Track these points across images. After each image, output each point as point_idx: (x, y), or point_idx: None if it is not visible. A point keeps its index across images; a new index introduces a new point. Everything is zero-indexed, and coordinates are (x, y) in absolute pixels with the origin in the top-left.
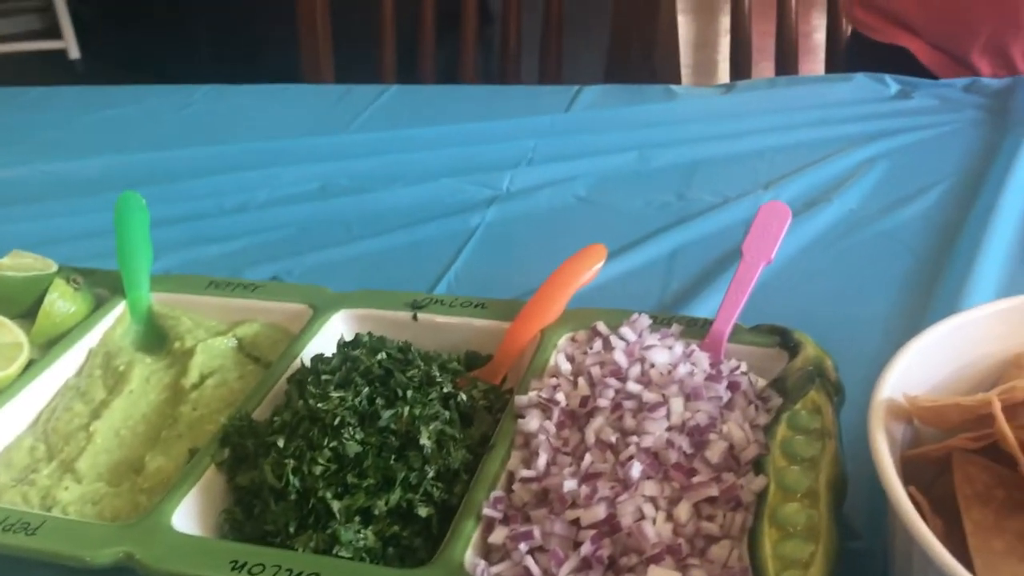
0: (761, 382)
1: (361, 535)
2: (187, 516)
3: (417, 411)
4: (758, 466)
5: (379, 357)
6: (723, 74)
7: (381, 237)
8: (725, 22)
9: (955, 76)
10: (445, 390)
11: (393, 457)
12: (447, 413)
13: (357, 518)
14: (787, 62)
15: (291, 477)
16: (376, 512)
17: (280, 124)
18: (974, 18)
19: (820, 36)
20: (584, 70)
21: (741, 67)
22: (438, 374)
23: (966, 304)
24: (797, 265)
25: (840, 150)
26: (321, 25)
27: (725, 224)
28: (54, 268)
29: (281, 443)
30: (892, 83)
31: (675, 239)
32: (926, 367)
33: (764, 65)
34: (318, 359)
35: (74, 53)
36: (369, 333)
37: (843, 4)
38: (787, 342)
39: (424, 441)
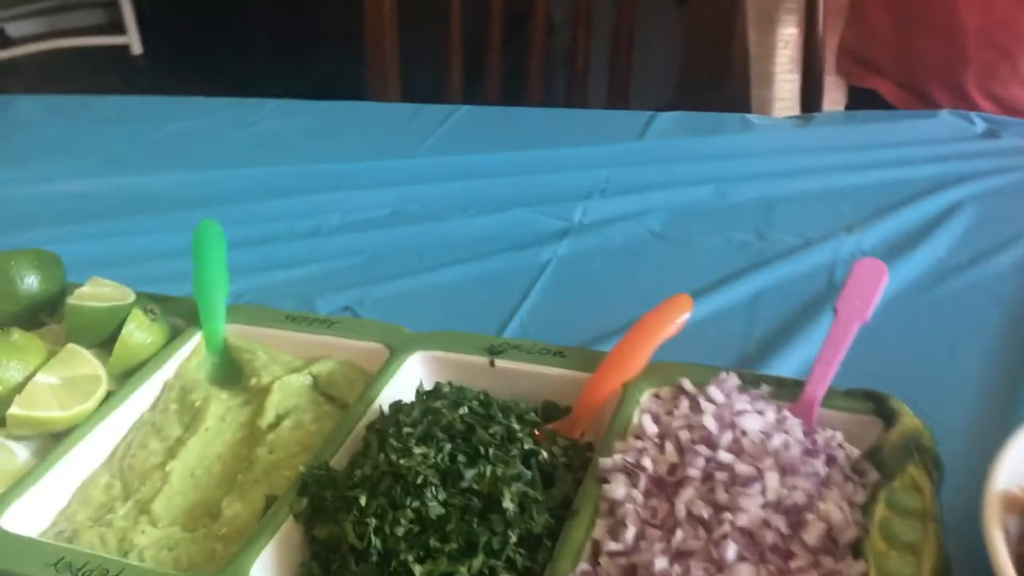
0: (855, 452)
1: None
2: (265, 569)
3: (500, 470)
4: (856, 549)
5: (461, 411)
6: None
7: (453, 268)
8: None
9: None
10: (526, 447)
11: (476, 520)
12: (529, 473)
13: None
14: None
15: (373, 538)
16: None
17: (348, 144)
18: (926, 54)
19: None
20: (652, 91)
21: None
22: (518, 428)
23: None
24: (882, 318)
25: (925, 191)
26: (389, 38)
27: (807, 268)
28: (132, 297)
29: (363, 500)
30: (979, 121)
31: (756, 282)
32: None
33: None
34: (397, 408)
35: (136, 49)
36: (450, 383)
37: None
38: (883, 410)
39: (507, 504)
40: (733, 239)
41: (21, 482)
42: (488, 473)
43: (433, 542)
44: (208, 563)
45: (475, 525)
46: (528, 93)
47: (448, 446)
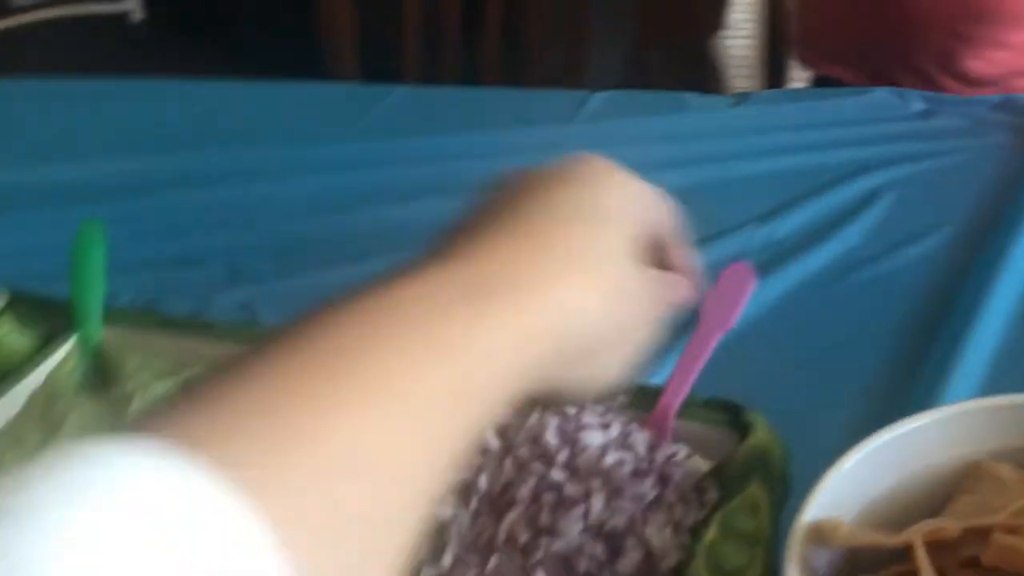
0: (704, 466)
1: None
2: None
3: None
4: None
5: None
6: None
7: (361, 263)
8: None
9: None
10: None
11: None
12: None
13: None
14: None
15: None
16: None
17: (275, 129)
18: (882, 38)
19: None
20: (610, 63)
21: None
22: None
23: (953, 379)
24: (783, 312)
25: (851, 175)
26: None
27: (713, 260)
28: (2, 302)
29: None
30: (916, 100)
31: None
32: (871, 476)
33: None
34: None
35: (137, 15)
36: None
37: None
38: (738, 421)
39: None
40: None
41: None
42: None
43: None
44: None
45: None
46: (484, 68)
47: None
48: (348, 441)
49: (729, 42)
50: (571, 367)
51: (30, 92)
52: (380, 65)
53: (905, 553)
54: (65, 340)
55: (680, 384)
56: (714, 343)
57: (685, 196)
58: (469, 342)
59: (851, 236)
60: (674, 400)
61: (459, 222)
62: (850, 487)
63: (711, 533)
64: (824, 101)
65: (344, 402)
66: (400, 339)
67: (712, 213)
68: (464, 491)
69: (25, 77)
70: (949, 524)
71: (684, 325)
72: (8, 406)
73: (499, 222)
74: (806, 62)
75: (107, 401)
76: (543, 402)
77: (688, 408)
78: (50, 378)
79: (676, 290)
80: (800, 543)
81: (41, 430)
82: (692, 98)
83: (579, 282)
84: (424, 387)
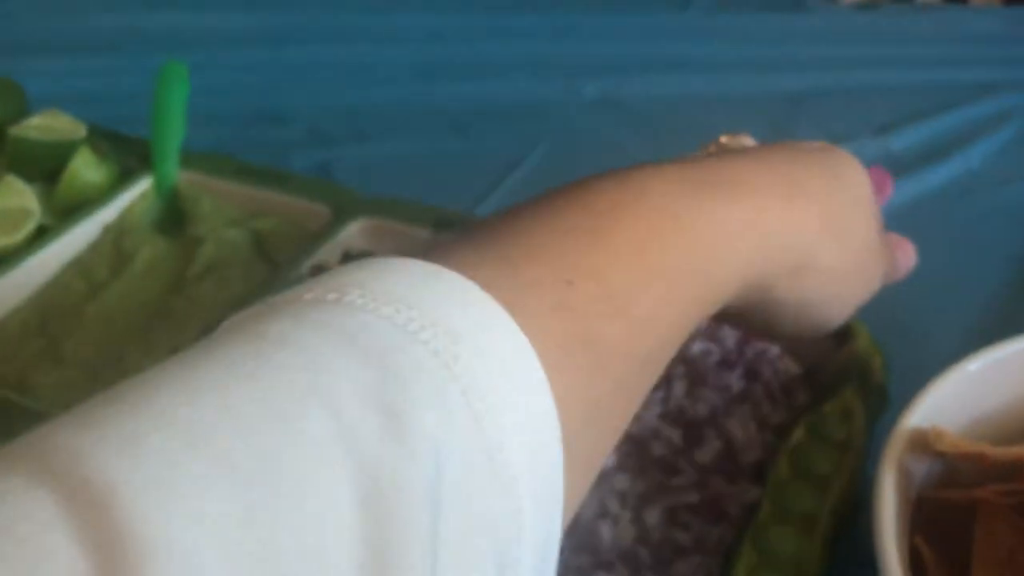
0: (796, 370)
1: None
2: None
3: None
4: (759, 474)
5: None
6: None
7: (442, 134)
8: None
9: None
10: None
11: None
12: None
13: None
14: None
15: None
16: None
17: None
18: None
19: None
20: None
21: None
22: None
23: None
24: (895, 227)
25: (976, 96)
26: None
27: None
28: (82, 133)
29: None
30: None
31: None
32: (977, 393)
33: None
34: (318, 271)
35: None
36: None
37: None
38: (837, 328)
39: None
40: (750, 130)
41: None
42: None
43: None
44: None
45: None
46: None
47: None
48: (612, 285)
49: None
50: (790, 285)
51: None
52: None
53: (1008, 474)
54: (141, 178)
55: None
56: None
57: (796, 101)
58: (702, 223)
59: (972, 158)
60: None
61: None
62: (955, 400)
63: (798, 435)
64: (953, 15)
65: (605, 258)
66: (647, 213)
67: (824, 120)
68: None
69: None
70: None
71: None
72: (81, 237)
73: (732, 152)
74: None
75: (179, 242)
76: (757, 324)
77: None
78: (124, 213)
79: (907, 255)
80: (899, 448)
81: (110, 263)
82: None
83: (802, 203)
84: (672, 256)
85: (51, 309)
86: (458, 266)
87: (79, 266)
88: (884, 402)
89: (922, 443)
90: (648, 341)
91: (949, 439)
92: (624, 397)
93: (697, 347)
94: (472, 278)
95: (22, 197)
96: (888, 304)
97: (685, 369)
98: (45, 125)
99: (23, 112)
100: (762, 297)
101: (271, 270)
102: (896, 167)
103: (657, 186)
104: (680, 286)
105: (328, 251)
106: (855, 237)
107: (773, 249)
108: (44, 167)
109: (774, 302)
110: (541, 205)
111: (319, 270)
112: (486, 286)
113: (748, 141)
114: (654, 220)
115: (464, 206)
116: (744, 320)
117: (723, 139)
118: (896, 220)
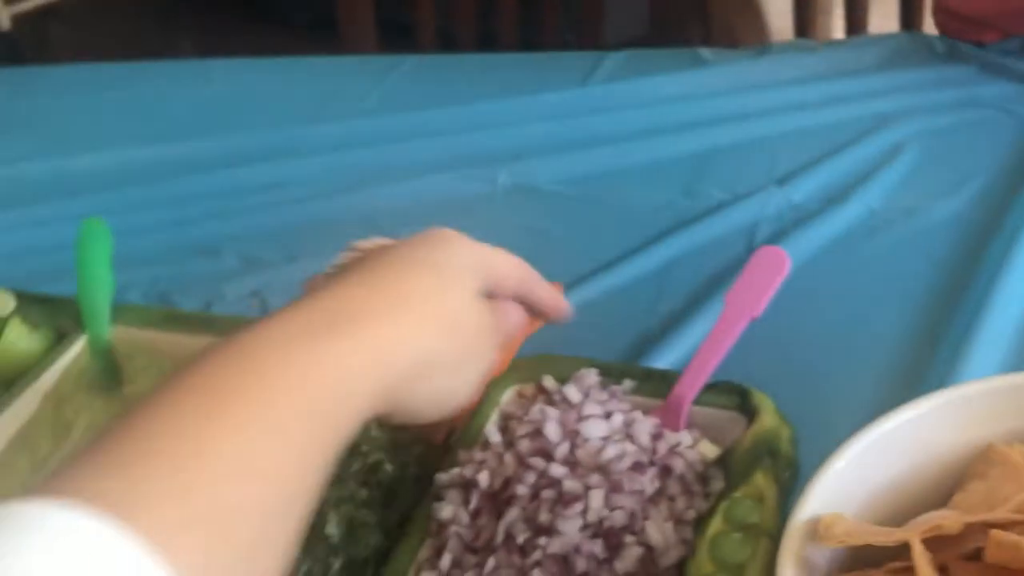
0: (714, 452)
1: None
2: None
3: (328, 493)
4: (681, 571)
5: None
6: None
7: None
8: None
9: None
10: (370, 460)
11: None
12: (364, 492)
13: None
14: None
15: None
16: None
17: (286, 107)
18: None
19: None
20: (631, 23)
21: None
22: (366, 436)
23: (975, 354)
24: (799, 282)
25: (873, 129)
26: None
27: (727, 230)
28: (12, 306)
29: None
30: (940, 45)
31: (671, 248)
32: (874, 466)
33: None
34: None
35: None
36: None
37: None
38: (745, 406)
39: (331, 530)
40: (658, 198)
41: None
42: None
43: None
44: None
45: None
46: (501, 28)
47: None
48: (227, 455)
49: None
50: (416, 389)
51: (30, 80)
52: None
53: (903, 552)
54: (75, 340)
55: (700, 370)
56: (740, 331)
57: (702, 160)
58: (318, 368)
59: (872, 196)
60: (690, 392)
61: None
62: (854, 476)
63: (714, 525)
64: (848, 51)
65: (221, 430)
66: (262, 371)
67: (729, 176)
68: (465, 489)
69: (33, 63)
70: (949, 519)
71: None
72: (21, 410)
73: (350, 273)
74: (944, 26)
75: (119, 401)
76: (399, 420)
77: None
78: (61, 380)
79: (509, 317)
80: (797, 541)
81: (53, 434)
82: (709, 54)
83: (413, 317)
84: (290, 411)
85: None
86: (70, 483)
87: (22, 441)
88: (794, 476)
89: (816, 534)
90: (274, 495)
91: (840, 530)
92: (264, 552)
93: (611, 451)
94: (81, 492)
95: None
96: (795, 366)
97: (601, 478)
98: None
99: None
100: (394, 406)
101: None
102: (799, 216)
103: (277, 337)
104: (302, 436)
105: None
106: (467, 325)
107: (395, 368)
108: None
109: (405, 404)
110: (162, 392)
111: None
112: (96, 496)
113: (383, 243)
114: (269, 379)
115: None
116: (384, 421)
117: (359, 244)
118: (798, 275)
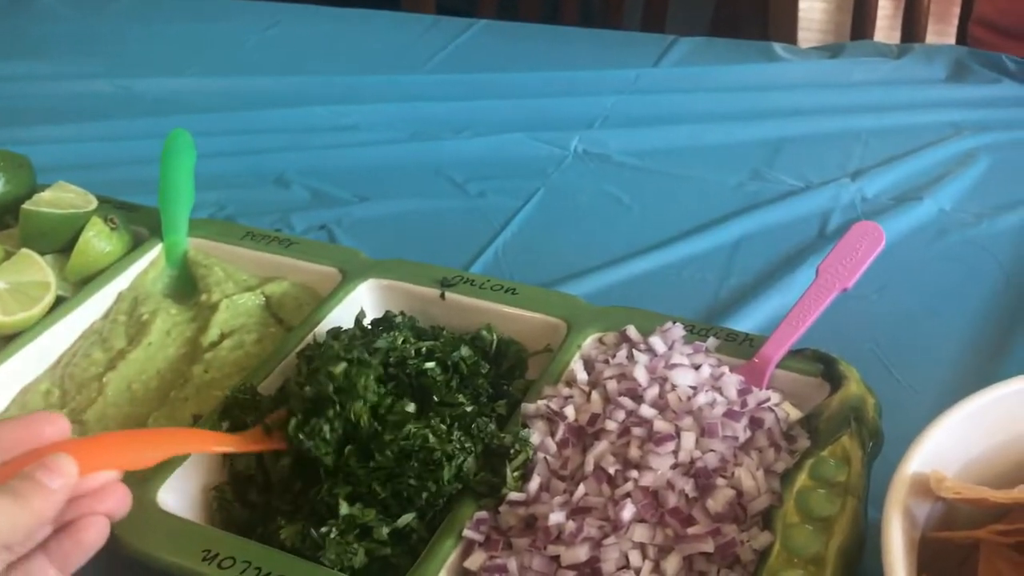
0: (796, 415)
1: (353, 549)
2: (176, 490)
3: (443, 433)
4: (767, 519)
5: (410, 361)
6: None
7: (438, 191)
8: None
9: None
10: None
11: (412, 478)
12: (471, 444)
13: (356, 530)
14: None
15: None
16: (375, 536)
17: (359, 56)
18: None
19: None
20: (694, 15)
21: (865, 24)
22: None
23: None
24: (872, 271)
25: (945, 138)
26: None
27: (800, 214)
28: (93, 205)
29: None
30: (1011, 64)
31: (744, 226)
32: (971, 435)
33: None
34: (334, 335)
35: None
36: (402, 313)
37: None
38: (830, 373)
39: (447, 475)
40: (729, 179)
41: None
42: (431, 438)
43: (364, 486)
44: (127, 479)
45: (411, 481)
46: (564, 10)
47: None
48: None
49: None
50: None
51: (107, 4)
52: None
53: (1005, 514)
54: (153, 247)
55: (788, 335)
56: (829, 301)
57: (775, 147)
58: None
59: (943, 199)
60: (777, 351)
61: None
62: (951, 443)
63: (800, 481)
64: (919, 60)
65: None
66: None
67: (801, 166)
68: (550, 421)
69: None
70: None
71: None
72: (97, 307)
73: None
74: (979, 41)
75: (194, 308)
76: None
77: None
78: (137, 282)
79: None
80: (902, 492)
81: (127, 332)
82: (782, 49)
83: None
84: None
85: (72, 379)
86: None
87: (97, 336)
88: (879, 443)
89: (924, 488)
90: None
91: (950, 484)
92: None
93: (702, 398)
94: None
95: (39, 271)
96: (867, 341)
97: (692, 421)
98: (56, 198)
99: (32, 184)
100: None
101: (285, 333)
102: (871, 211)
103: None
104: None
105: (340, 313)
106: None
107: None
108: (57, 240)
109: None
110: None
111: (336, 333)
112: None
113: None
114: None
115: (463, 260)
116: None
117: None
118: (874, 264)
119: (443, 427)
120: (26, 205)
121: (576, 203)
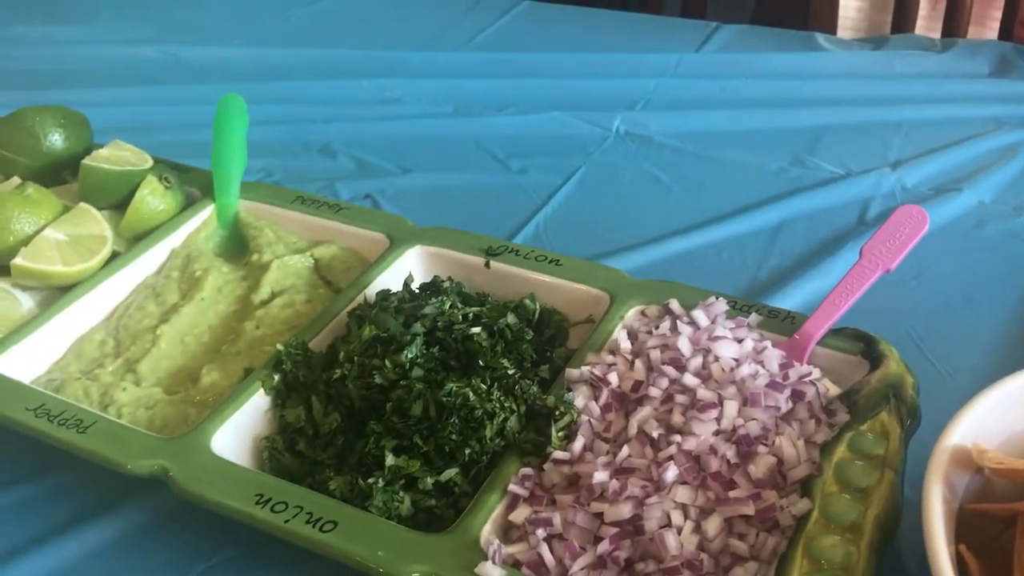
0: (835, 391)
1: (399, 498)
2: (228, 437)
3: (483, 392)
4: (806, 487)
5: (457, 324)
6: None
7: (482, 165)
8: None
9: None
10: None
11: (453, 434)
12: (512, 404)
13: (402, 480)
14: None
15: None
16: (420, 487)
17: (403, 32)
18: None
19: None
20: (735, 7)
21: (904, 25)
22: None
23: None
24: (910, 258)
25: (984, 132)
26: None
27: (839, 201)
28: (149, 163)
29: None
30: None
31: (784, 210)
32: (1011, 413)
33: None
34: (383, 296)
35: None
36: (449, 278)
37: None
38: (871, 352)
39: (489, 432)
40: (770, 164)
41: (21, 329)
42: (471, 396)
43: (408, 439)
44: (180, 426)
45: (454, 436)
46: None
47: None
48: None
49: None
50: None
51: None
52: None
53: None
54: (205, 207)
55: (830, 313)
56: (872, 281)
57: (816, 135)
58: None
59: (983, 191)
60: (819, 328)
61: None
62: (992, 419)
63: (839, 452)
64: (962, 54)
65: None
66: None
67: (842, 154)
68: (593, 386)
69: None
70: None
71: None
72: (151, 262)
73: None
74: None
75: (243, 267)
76: None
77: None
78: (189, 240)
79: None
80: (943, 463)
81: (180, 287)
82: (825, 39)
83: None
84: None
85: (126, 330)
86: None
87: (151, 290)
88: (917, 421)
89: (964, 459)
90: None
91: (992, 456)
92: None
93: (745, 369)
94: None
95: (96, 224)
96: (904, 325)
97: (735, 391)
98: (113, 155)
99: (89, 142)
100: None
101: (333, 295)
102: (911, 200)
103: None
104: None
105: (388, 277)
106: None
107: None
108: (114, 195)
109: None
110: None
111: (386, 295)
112: None
113: None
114: None
115: (504, 233)
116: None
117: None
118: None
119: (483, 387)
120: (85, 160)
121: (617, 182)
